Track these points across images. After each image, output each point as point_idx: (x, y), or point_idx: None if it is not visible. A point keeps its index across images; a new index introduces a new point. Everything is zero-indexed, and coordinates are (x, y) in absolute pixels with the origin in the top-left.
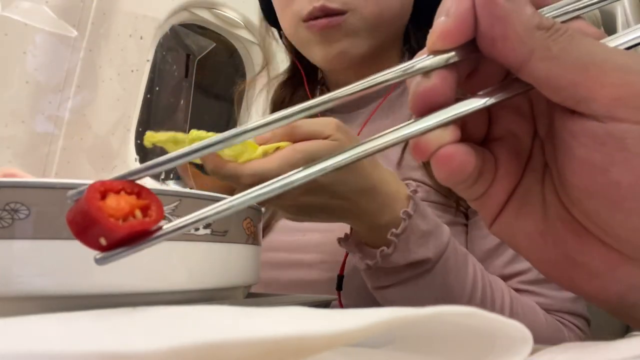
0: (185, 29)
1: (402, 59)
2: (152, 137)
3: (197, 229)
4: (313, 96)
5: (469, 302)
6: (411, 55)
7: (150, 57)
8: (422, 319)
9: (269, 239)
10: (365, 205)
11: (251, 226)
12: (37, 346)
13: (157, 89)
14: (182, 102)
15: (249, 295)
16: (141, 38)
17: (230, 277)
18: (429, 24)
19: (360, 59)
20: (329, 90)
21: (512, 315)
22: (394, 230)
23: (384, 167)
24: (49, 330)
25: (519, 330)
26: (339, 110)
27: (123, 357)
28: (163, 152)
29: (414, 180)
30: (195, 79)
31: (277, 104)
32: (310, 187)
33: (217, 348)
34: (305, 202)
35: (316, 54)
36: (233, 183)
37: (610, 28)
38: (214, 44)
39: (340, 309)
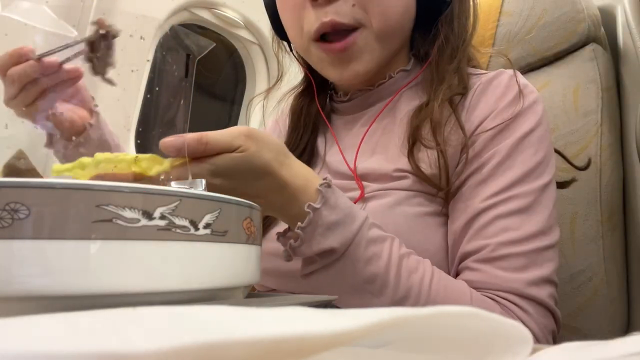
0: (185, 29)
1: (407, 64)
2: (57, 169)
3: (197, 229)
4: (324, 104)
5: (382, 286)
6: (417, 61)
7: (150, 57)
8: (422, 319)
9: (274, 230)
10: (275, 201)
11: (251, 226)
12: (37, 346)
13: (157, 89)
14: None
15: (249, 295)
16: (141, 38)
17: (230, 277)
18: (429, 27)
19: (373, 71)
20: (336, 94)
21: (430, 296)
22: (299, 223)
23: (296, 161)
24: (49, 330)
25: (518, 330)
26: (344, 113)
27: (123, 357)
28: (161, 154)
29: (402, 170)
30: (195, 79)
31: (295, 113)
32: (220, 191)
33: (217, 348)
34: None
35: (329, 74)
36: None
37: (610, 28)
38: (214, 44)
39: (341, 309)
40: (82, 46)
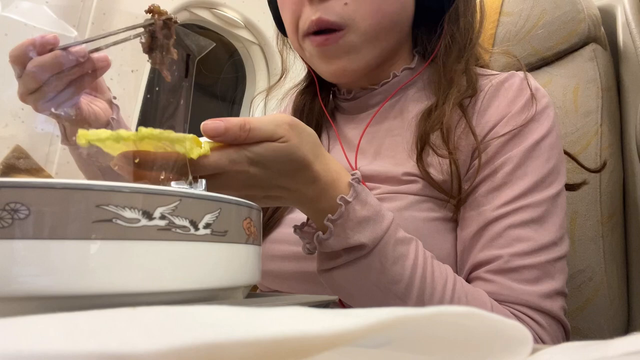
0: (185, 29)
1: (412, 62)
2: (86, 135)
3: (197, 229)
4: (327, 102)
5: (407, 287)
6: (422, 59)
7: None
8: (422, 319)
9: (277, 232)
10: (306, 192)
11: (251, 226)
12: (38, 346)
13: (157, 89)
14: (182, 102)
15: (249, 295)
16: (141, 38)
17: (230, 277)
18: (434, 25)
19: (365, 70)
20: (339, 92)
21: (453, 302)
22: (330, 215)
23: (327, 154)
24: (49, 330)
25: (518, 330)
26: (348, 112)
27: (123, 357)
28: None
29: (411, 174)
30: (195, 79)
31: (298, 111)
32: (252, 180)
33: (217, 348)
34: (249, 194)
35: (318, 68)
36: (195, 173)
37: (610, 28)
38: (214, 44)
39: (341, 309)
40: (115, 38)
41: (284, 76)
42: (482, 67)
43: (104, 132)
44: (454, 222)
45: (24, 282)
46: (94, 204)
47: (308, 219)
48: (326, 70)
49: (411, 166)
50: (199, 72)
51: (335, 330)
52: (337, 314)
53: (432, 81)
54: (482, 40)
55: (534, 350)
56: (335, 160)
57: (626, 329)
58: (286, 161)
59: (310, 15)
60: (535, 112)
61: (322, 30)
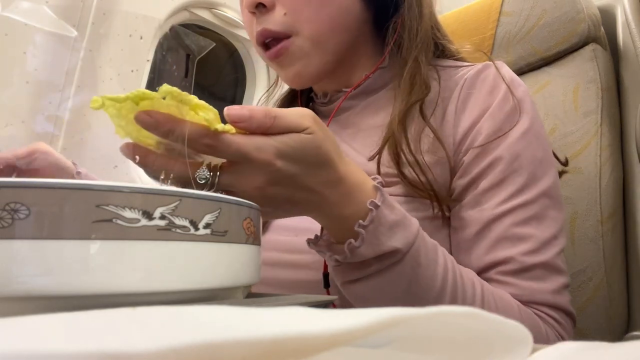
0: (185, 29)
1: (382, 54)
2: (101, 99)
3: (197, 229)
4: (307, 106)
5: (440, 293)
6: (394, 55)
7: (150, 57)
8: (422, 319)
9: (264, 239)
10: (330, 196)
11: (251, 226)
12: (38, 346)
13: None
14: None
15: (249, 295)
16: (141, 38)
17: (230, 277)
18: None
19: (322, 72)
20: (316, 96)
21: (484, 306)
22: (361, 221)
23: (350, 160)
24: (49, 330)
25: (518, 330)
26: (326, 116)
27: (123, 357)
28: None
29: (392, 175)
30: (195, 79)
31: None
32: (277, 177)
33: (217, 348)
34: (271, 193)
35: (279, 75)
36: (209, 153)
37: (610, 28)
38: (214, 44)
39: (340, 310)
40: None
41: (276, 83)
42: (451, 57)
43: (123, 96)
44: (443, 219)
45: (24, 282)
46: (94, 204)
47: (322, 230)
48: (284, 77)
49: (391, 166)
50: (199, 72)
51: (335, 330)
52: (337, 314)
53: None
54: (482, 40)
55: (534, 350)
56: (355, 164)
57: (626, 329)
58: (313, 154)
59: (255, 28)
60: (515, 103)
61: (271, 39)
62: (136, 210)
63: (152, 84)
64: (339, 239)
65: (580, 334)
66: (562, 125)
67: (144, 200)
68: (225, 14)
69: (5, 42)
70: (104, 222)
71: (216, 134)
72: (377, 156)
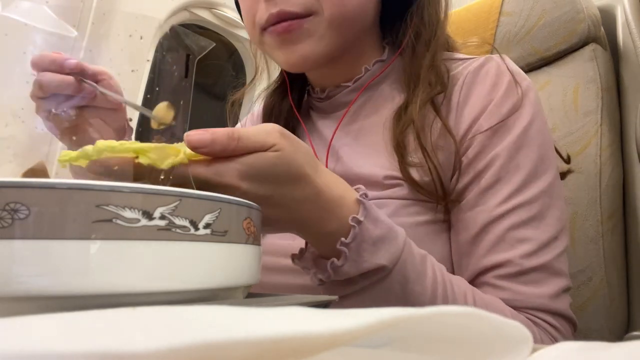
0: (185, 29)
1: (382, 54)
2: (66, 156)
3: (197, 229)
4: (300, 101)
5: (430, 306)
6: (392, 49)
7: (150, 57)
8: (422, 319)
9: (262, 242)
10: (309, 212)
11: (251, 226)
12: (37, 346)
13: (157, 89)
14: (182, 102)
15: (249, 295)
16: (141, 38)
17: (230, 277)
18: (400, 17)
19: (327, 60)
20: (313, 90)
21: None
22: (343, 239)
23: (326, 169)
24: (49, 330)
25: (518, 330)
26: (324, 111)
27: (123, 357)
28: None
29: (394, 177)
30: (195, 79)
31: (268, 111)
32: (247, 200)
33: (217, 348)
34: None
35: (278, 58)
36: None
37: (610, 28)
38: (214, 44)
39: (341, 310)
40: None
41: (257, 76)
42: (454, 51)
43: (74, 154)
44: (444, 222)
45: (24, 282)
46: (94, 204)
47: (306, 245)
48: (286, 60)
49: (393, 169)
50: (199, 72)
51: (335, 330)
52: (337, 314)
53: (402, 76)
54: (482, 40)
55: (534, 350)
56: (335, 175)
57: (626, 329)
58: (282, 172)
59: (268, 9)
60: (518, 97)
61: (280, 22)
62: (136, 210)
63: (152, 84)
64: (324, 255)
65: (580, 334)
66: (562, 125)
67: (144, 200)
68: (225, 14)
69: (5, 42)
70: (104, 222)
71: (170, 170)
72: (399, 156)
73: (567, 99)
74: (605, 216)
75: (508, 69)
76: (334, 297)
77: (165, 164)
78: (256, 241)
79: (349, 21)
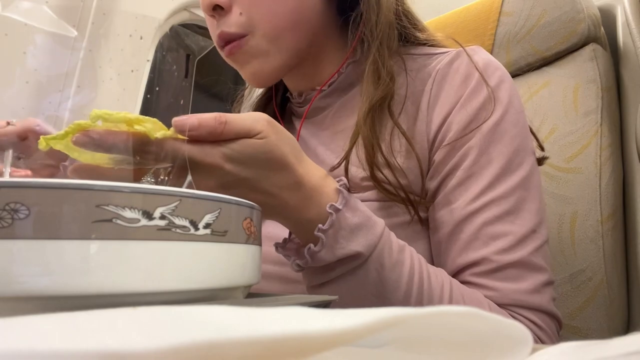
0: (185, 29)
1: (348, 48)
2: (45, 140)
3: (197, 229)
4: (283, 108)
5: (406, 295)
6: (361, 43)
7: (150, 57)
8: (422, 318)
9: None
10: (289, 200)
11: (251, 226)
12: (37, 346)
13: (157, 89)
14: (182, 102)
15: (249, 295)
16: (141, 38)
17: (230, 277)
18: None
19: (286, 70)
20: (292, 96)
21: (451, 305)
22: (320, 226)
23: (309, 160)
24: (49, 330)
25: (518, 330)
26: (301, 116)
27: (123, 357)
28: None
29: (367, 179)
30: (195, 79)
31: None
32: (229, 181)
33: (217, 347)
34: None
35: (241, 74)
36: (157, 160)
37: (610, 28)
38: (214, 44)
39: (340, 310)
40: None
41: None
42: (427, 44)
43: (62, 132)
44: (423, 223)
45: (24, 282)
46: (94, 204)
47: (290, 235)
48: (244, 76)
49: (367, 170)
50: (199, 72)
51: (335, 330)
52: (337, 314)
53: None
54: (482, 40)
55: (534, 350)
56: (318, 166)
57: (626, 329)
58: (265, 159)
59: (214, 31)
60: (488, 91)
61: (229, 42)
62: (136, 210)
63: (152, 84)
64: (305, 243)
65: (580, 333)
66: (562, 125)
67: (144, 200)
68: None
69: (5, 42)
70: (104, 222)
71: (161, 141)
72: (344, 161)
73: (567, 99)
74: (605, 216)
75: (476, 64)
76: (334, 297)
77: (158, 134)
78: (256, 241)
79: (287, 31)
